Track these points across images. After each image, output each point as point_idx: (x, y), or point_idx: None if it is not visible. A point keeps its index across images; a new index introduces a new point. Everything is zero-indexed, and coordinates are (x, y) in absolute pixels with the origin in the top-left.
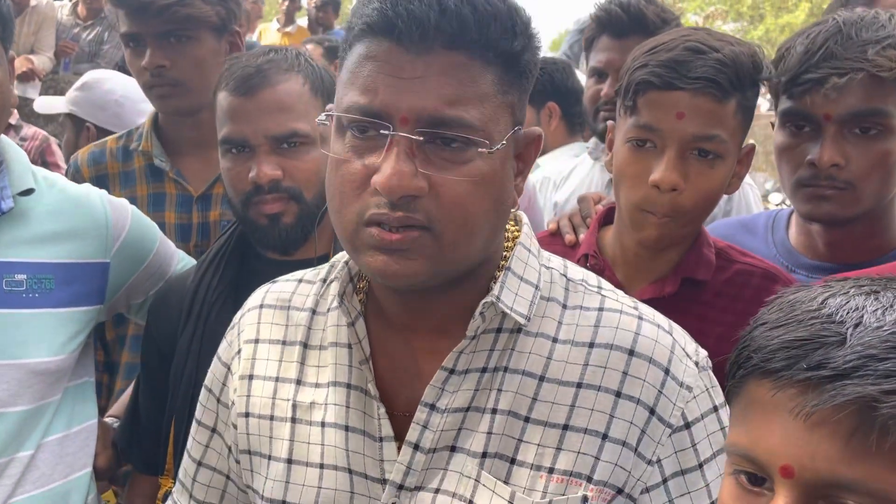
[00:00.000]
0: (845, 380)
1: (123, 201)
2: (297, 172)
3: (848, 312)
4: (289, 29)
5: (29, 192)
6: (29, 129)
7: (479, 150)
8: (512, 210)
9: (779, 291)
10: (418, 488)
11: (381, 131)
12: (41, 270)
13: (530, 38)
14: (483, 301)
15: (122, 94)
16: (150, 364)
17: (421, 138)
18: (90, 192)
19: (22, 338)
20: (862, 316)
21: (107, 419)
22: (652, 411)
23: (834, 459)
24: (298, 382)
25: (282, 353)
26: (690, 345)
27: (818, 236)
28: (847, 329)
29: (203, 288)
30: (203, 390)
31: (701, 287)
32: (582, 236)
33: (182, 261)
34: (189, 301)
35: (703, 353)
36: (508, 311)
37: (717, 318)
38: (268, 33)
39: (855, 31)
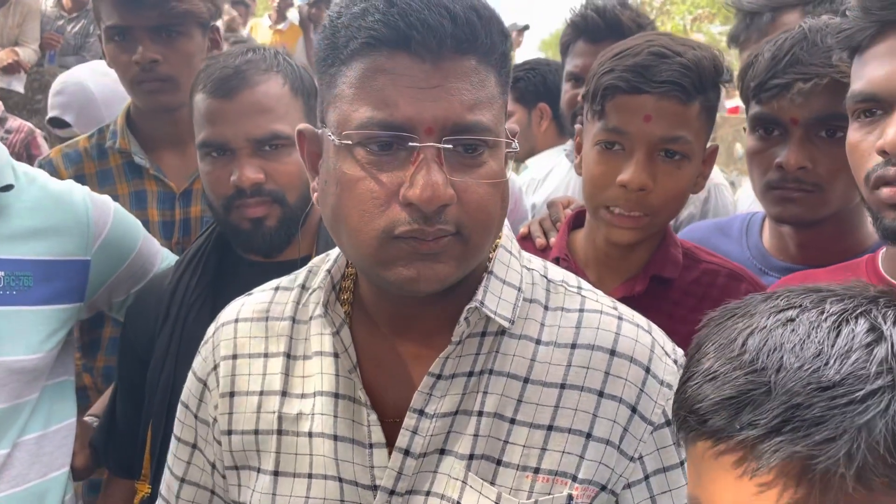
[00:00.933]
0: (777, 436)
1: (106, 198)
2: (280, 175)
3: (768, 355)
4: (281, 26)
5: (8, 187)
6: (14, 122)
7: (498, 150)
8: None
9: (744, 291)
10: (409, 492)
11: (410, 144)
12: (19, 267)
13: (511, 40)
14: (467, 307)
15: (99, 93)
16: (127, 367)
17: (449, 146)
18: (72, 189)
19: None
20: (782, 357)
21: (87, 418)
22: (634, 409)
23: None
24: (283, 394)
25: (264, 367)
26: (668, 343)
27: (789, 238)
28: (770, 376)
29: (181, 289)
30: (180, 406)
31: (669, 285)
32: (553, 240)
33: (166, 259)
34: (167, 303)
35: (681, 351)
36: (492, 316)
37: (685, 316)
38: (259, 30)
39: (820, 38)
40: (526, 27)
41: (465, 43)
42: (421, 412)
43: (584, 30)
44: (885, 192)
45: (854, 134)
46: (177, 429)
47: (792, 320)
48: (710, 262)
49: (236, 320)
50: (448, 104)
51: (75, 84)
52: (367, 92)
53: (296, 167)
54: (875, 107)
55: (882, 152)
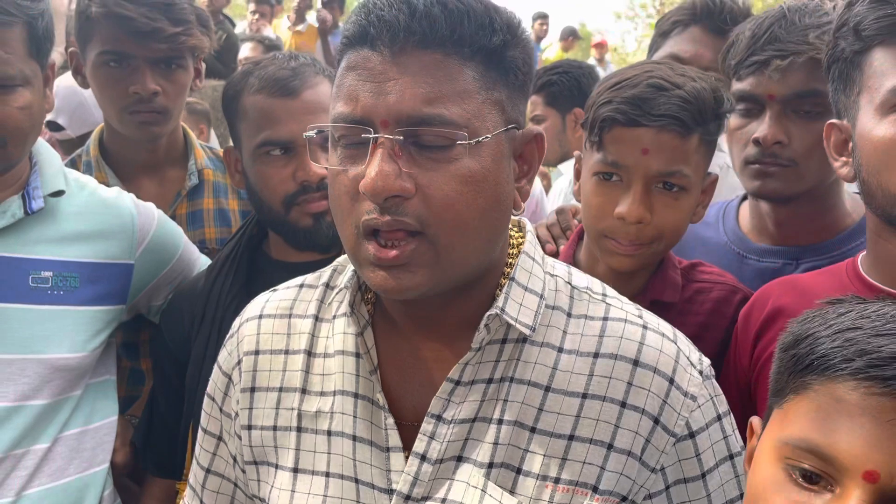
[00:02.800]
0: None
1: (150, 205)
2: None
3: None
4: (300, 27)
5: (59, 193)
6: None
7: (459, 143)
8: (516, 216)
9: (737, 302)
10: (425, 498)
11: (363, 136)
12: (67, 269)
13: (513, 36)
14: (487, 313)
15: (90, 96)
16: (164, 369)
17: (401, 138)
18: (119, 195)
19: (45, 333)
20: None
21: (127, 417)
22: (656, 421)
23: None
24: (303, 391)
25: (285, 364)
26: (694, 353)
27: (768, 217)
28: None
29: (216, 292)
30: (206, 398)
31: (668, 309)
32: (562, 247)
33: (205, 265)
34: (202, 305)
35: (707, 361)
36: (513, 323)
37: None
38: (278, 31)
39: (798, 17)
40: (543, 15)
41: (424, 36)
42: (439, 417)
43: (707, 18)
44: None
45: (890, 128)
46: (203, 420)
47: None
48: (702, 280)
49: (260, 316)
50: (403, 96)
51: (66, 87)
52: (342, 89)
53: None
54: None
55: None
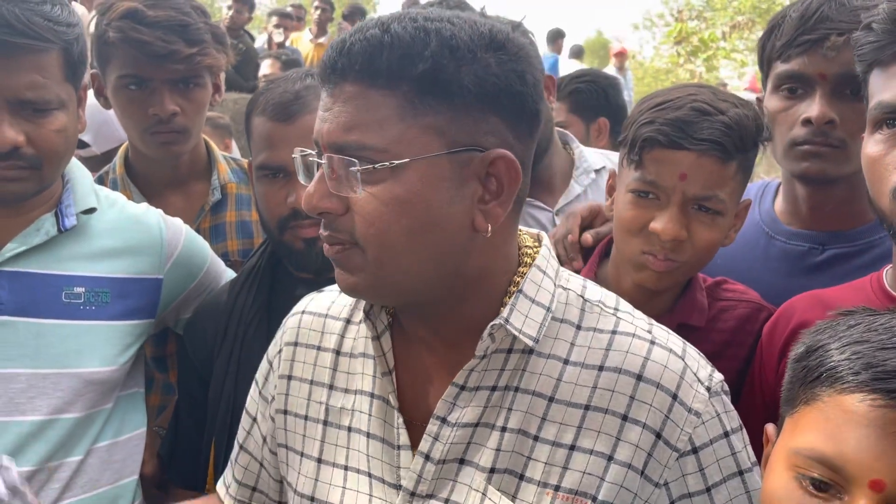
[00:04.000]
0: None
1: (178, 220)
2: None
3: None
4: (322, 39)
5: (91, 210)
6: None
7: (379, 167)
8: (532, 228)
9: (762, 319)
10: (429, 496)
11: (311, 159)
12: (98, 284)
13: (457, 58)
14: (491, 323)
15: (113, 113)
16: (187, 383)
17: (323, 161)
18: (148, 211)
19: (78, 348)
20: None
21: (155, 428)
22: (658, 435)
23: None
24: (331, 387)
25: (316, 358)
26: (704, 370)
27: (803, 201)
28: None
29: (238, 309)
30: (253, 382)
31: (694, 330)
32: (576, 264)
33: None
34: (225, 322)
35: (719, 377)
36: (517, 334)
37: (702, 351)
38: (300, 43)
39: None
40: (560, 33)
41: (344, 71)
42: (443, 420)
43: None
44: None
45: (875, 147)
46: (247, 402)
47: None
48: (726, 299)
49: (303, 312)
50: (332, 125)
51: (90, 105)
52: None
53: None
54: None
55: None
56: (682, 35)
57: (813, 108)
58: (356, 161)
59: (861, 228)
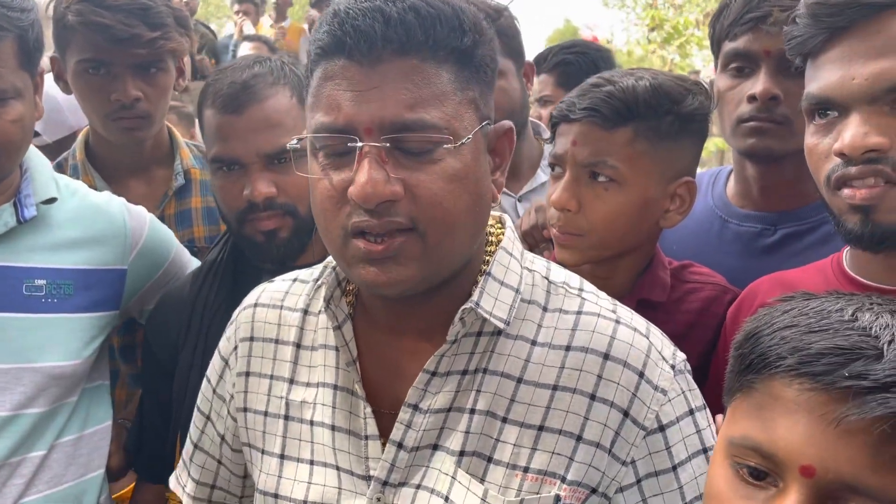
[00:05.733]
0: (885, 393)
1: (141, 209)
2: (291, 188)
3: (881, 329)
4: (284, 24)
5: (51, 200)
6: None
7: (446, 146)
8: (495, 211)
9: (727, 302)
10: (401, 484)
11: (349, 144)
12: (60, 276)
13: (481, 34)
14: (462, 307)
15: (64, 100)
16: (151, 377)
17: (387, 145)
18: (111, 200)
19: (40, 342)
20: (894, 334)
21: (120, 421)
22: (626, 414)
23: (859, 465)
24: (291, 381)
25: (275, 352)
26: (668, 348)
27: (753, 181)
28: (882, 344)
29: (201, 301)
30: (204, 380)
31: (656, 308)
32: (546, 253)
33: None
34: (188, 315)
35: (682, 356)
36: (488, 317)
37: (671, 334)
38: (261, 30)
39: None
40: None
41: (400, 44)
42: (415, 407)
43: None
44: (846, 192)
45: (811, 138)
46: (199, 399)
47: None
48: (693, 280)
49: (255, 305)
50: (384, 104)
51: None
52: (320, 98)
53: (307, 179)
54: (829, 109)
55: (840, 154)
56: (655, 22)
57: (757, 84)
58: (432, 141)
59: (810, 206)
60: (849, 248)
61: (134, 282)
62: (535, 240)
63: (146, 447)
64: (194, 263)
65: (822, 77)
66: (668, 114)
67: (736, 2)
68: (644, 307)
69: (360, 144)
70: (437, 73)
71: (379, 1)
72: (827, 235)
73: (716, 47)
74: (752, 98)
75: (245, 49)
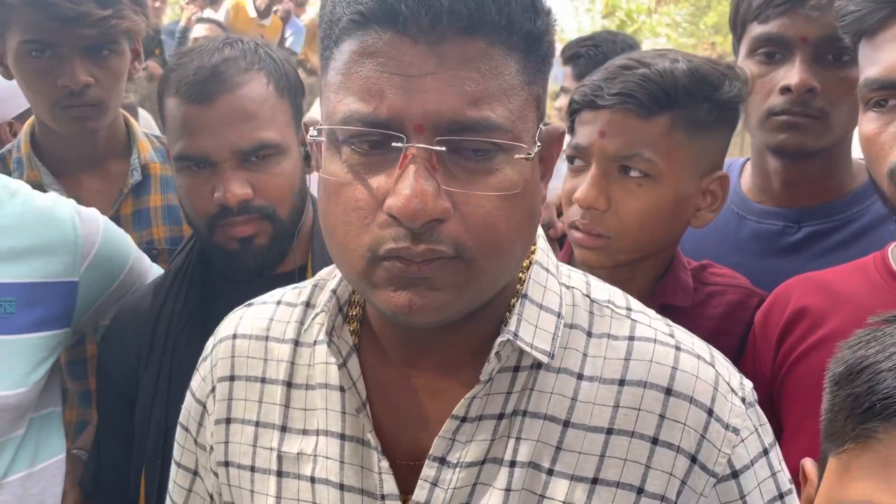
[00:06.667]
0: None
1: (94, 212)
2: (269, 188)
3: None
4: (263, 22)
5: None
6: None
7: (516, 156)
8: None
9: (754, 305)
10: None
11: (394, 144)
12: (1, 292)
13: (550, 16)
14: (499, 339)
15: None
16: (107, 403)
17: (443, 149)
18: (58, 203)
19: None
20: None
21: (75, 451)
22: (694, 459)
23: None
24: (283, 429)
25: (261, 394)
26: (735, 377)
27: (775, 175)
28: None
29: (164, 318)
30: (179, 428)
31: (678, 313)
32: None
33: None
34: (149, 333)
35: (749, 384)
36: (528, 350)
37: None
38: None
39: None
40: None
41: (470, 20)
42: (442, 460)
43: None
44: None
45: (870, 125)
46: (176, 453)
47: None
48: (715, 283)
49: (234, 336)
50: (443, 96)
51: None
52: (353, 79)
53: (286, 178)
54: (894, 96)
55: None
56: (608, 9)
57: (792, 74)
58: (497, 146)
59: (838, 202)
60: (894, 244)
61: (87, 295)
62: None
63: (105, 483)
64: (156, 271)
65: (884, 58)
66: (706, 101)
67: None
68: (666, 313)
69: (406, 145)
70: (505, 62)
71: None
72: (855, 234)
73: (740, 29)
74: (785, 89)
75: (199, 31)
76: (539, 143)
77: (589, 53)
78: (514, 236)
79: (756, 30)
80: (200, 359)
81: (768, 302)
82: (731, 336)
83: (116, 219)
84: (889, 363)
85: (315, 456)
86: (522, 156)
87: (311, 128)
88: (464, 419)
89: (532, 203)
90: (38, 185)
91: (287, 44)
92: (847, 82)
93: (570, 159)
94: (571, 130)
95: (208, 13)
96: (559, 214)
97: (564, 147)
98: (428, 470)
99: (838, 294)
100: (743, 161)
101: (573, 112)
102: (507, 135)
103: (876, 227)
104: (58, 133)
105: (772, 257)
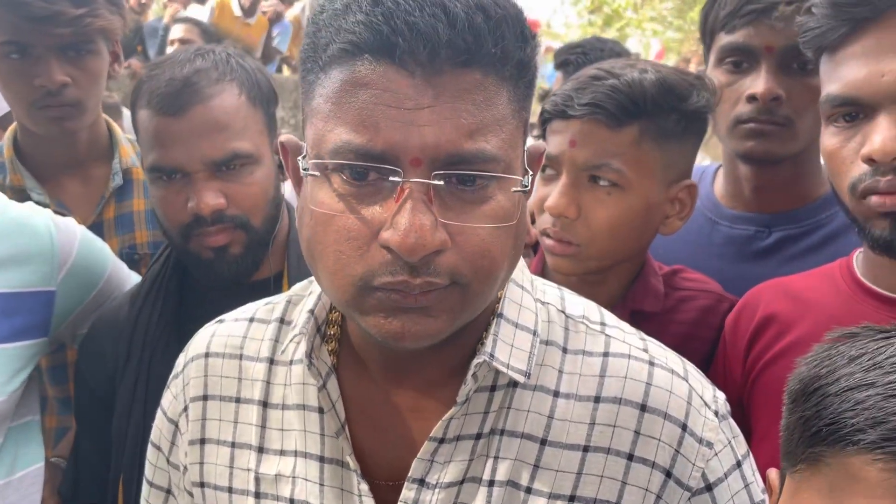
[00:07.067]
0: None
1: (71, 221)
2: (243, 198)
3: None
4: (249, 20)
5: None
6: None
7: (512, 189)
8: None
9: (724, 311)
10: None
11: (391, 178)
12: None
13: (535, 41)
14: (475, 361)
15: None
16: (86, 413)
17: (440, 182)
18: (33, 213)
19: None
20: None
21: (54, 460)
22: (669, 474)
23: None
24: (260, 450)
25: (237, 413)
26: (708, 390)
27: (745, 181)
28: None
29: (141, 327)
30: (150, 447)
31: (649, 319)
32: (526, 261)
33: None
34: (126, 343)
35: (722, 396)
36: (505, 370)
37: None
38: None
39: None
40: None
41: (468, 53)
42: (421, 482)
43: None
44: (874, 200)
45: (831, 139)
46: (148, 472)
47: None
48: (686, 288)
49: (206, 354)
50: (441, 130)
51: None
52: (345, 109)
53: (259, 187)
54: (855, 110)
55: (869, 160)
56: (594, 5)
57: (758, 83)
58: (491, 177)
59: (807, 207)
60: (861, 254)
61: (64, 304)
62: None
63: (83, 492)
64: (134, 279)
65: (846, 74)
66: (674, 111)
67: None
68: (637, 318)
69: (404, 180)
70: (498, 92)
71: None
72: (824, 239)
73: (708, 38)
74: (752, 98)
75: (177, 31)
76: (528, 168)
77: (578, 61)
78: (506, 261)
79: (723, 39)
80: (171, 375)
81: (738, 307)
82: (702, 341)
83: (99, 223)
84: (836, 387)
85: (294, 478)
86: (518, 188)
87: (299, 159)
88: (442, 440)
89: (521, 226)
90: (21, 189)
91: (274, 43)
92: (812, 90)
93: (542, 168)
94: (543, 138)
95: (194, 9)
96: (533, 221)
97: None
98: (407, 492)
99: (805, 301)
100: (716, 167)
101: (545, 121)
102: (501, 164)
103: (844, 232)
104: (39, 137)
105: (744, 261)
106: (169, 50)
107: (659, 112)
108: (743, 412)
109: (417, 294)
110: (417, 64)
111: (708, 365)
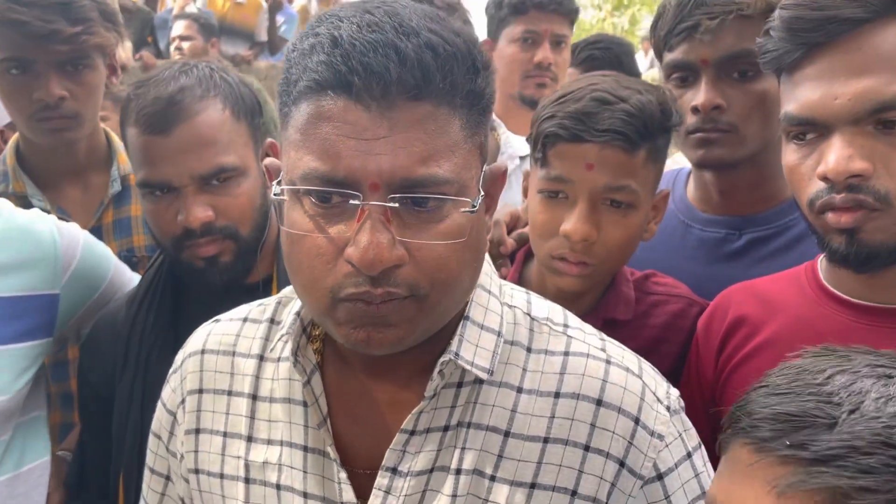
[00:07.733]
0: (822, 466)
1: (73, 226)
2: (230, 209)
3: (849, 395)
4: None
5: None
6: None
7: (462, 209)
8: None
9: (694, 315)
10: None
11: (352, 201)
12: None
13: (488, 69)
14: (441, 359)
15: None
16: (89, 409)
17: (395, 205)
18: (38, 219)
19: None
20: (861, 402)
21: (60, 453)
22: (622, 464)
23: None
24: (249, 439)
25: (228, 405)
26: (661, 387)
27: (712, 186)
28: (842, 413)
29: (138, 329)
30: (151, 436)
31: (621, 324)
32: (504, 270)
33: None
34: (124, 344)
35: (675, 393)
36: (469, 368)
37: (637, 350)
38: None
39: None
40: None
41: (417, 88)
42: (394, 470)
43: None
44: (831, 216)
45: (791, 156)
46: (149, 459)
47: (890, 377)
48: (657, 292)
49: (202, 351)
50: (395, 157)
51: None
52: (311, 140)
53: (246, 197)
54: (810, 130)
55: (824, 178)
56: None
57: (699, 95)
58: (444, 199)
59: (775, 209)
60: (823, 256)
61: (68, 306)
62: (491, 257)
63: (89, 484)
64: (135, 280)
65: (802, 95)
66: (667, 130)
67: (668, 11)
68: (610, 326)
69: (363, 203)
70: (449, 120)
71: (390, 34)
72: (792, 240)
73: (658, 57)
74: (695, 109)
75: (177, 28)
76: (482, 188)
77: (604, 56)
78: (464, 272)
79: (667, 57)
80: (171, 370)
81: (709, 310)
82: (672, 344)
83: (98, 228)
84: (754, 387)
85: (280, 465)
86: (467, 209)
87: (274, 184)
88: (412, 432)
89: (479, 240)
90: (23, 196)
91: (280, 31)
92: (753, 95)
93: (553, 193)
94: (543, 161)
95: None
96: (510, 231)
97: (539, 179)
98: (381, 479)
99: (773, 303)
100: (687, 171)
101: (545, 144)
102: (454, 186)
103: (811, 234)
104: (40, 146)
105: (716, 264)
106: (171, 47)
107: (659, 132)
108: (717, 412)
109: (379, 303)
110: (373, 99)
111: (678, 366)
